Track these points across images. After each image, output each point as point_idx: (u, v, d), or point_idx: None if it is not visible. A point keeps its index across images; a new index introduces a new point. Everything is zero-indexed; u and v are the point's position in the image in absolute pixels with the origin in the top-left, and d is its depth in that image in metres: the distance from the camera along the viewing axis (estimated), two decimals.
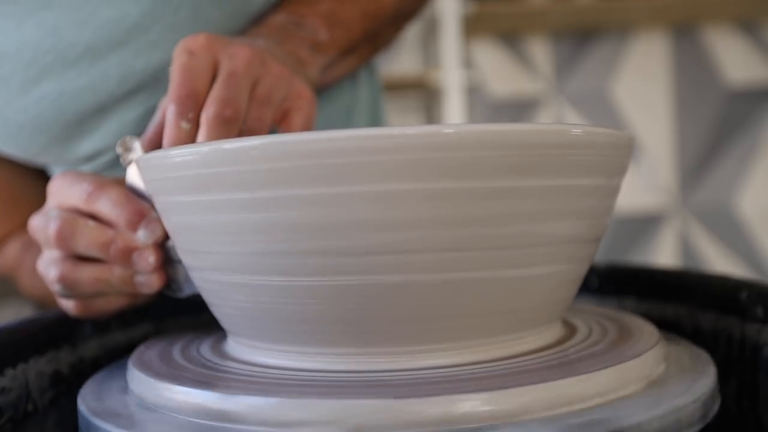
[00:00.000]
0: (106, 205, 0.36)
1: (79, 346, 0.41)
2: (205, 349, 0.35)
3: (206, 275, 0.32)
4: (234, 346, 0.34)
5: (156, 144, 0.39)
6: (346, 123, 0.63)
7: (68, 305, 0.39)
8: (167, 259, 0.37)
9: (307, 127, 0.41)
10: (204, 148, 0.28)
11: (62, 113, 0.49)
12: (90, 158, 0.52)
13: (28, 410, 0.37)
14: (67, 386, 0.39)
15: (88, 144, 0.51)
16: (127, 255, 0.36)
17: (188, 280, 0.37)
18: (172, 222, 0.32)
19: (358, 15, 0.54)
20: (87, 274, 0.37)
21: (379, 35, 0.59)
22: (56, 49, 0.47)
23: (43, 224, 0.38)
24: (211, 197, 0.28)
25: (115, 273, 0.37)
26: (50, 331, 0.39)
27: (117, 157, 0.52)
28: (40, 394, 0.38)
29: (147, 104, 0.49)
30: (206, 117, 0.36)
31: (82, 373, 0.39)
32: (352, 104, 0.63)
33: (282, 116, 0.41)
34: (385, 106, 0.71)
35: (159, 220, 0.36)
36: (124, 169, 0.38)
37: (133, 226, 0.36)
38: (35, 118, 0.49)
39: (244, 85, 0.38)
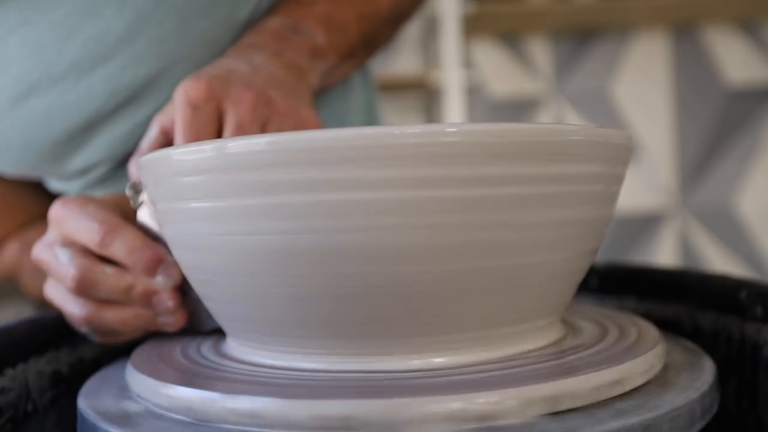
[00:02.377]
0: (121, 251, 0.36)
1: (79, 346, 0.41)
2: (205, 349, 0.35)
3: (202, 281, 0.32)
4: (234, 346, 0.34)
5: None
6: (341, 126, 0.62)
7: (92, 335, 0.39)
8: (187, 298, 0.37)
9: None
10: (207, 146, 0.28)
11: (51, 130, 0.48)
12: (82, 172, 0.52)
13: (27, 410, 0.37)
14: (66, 386, 0.39)
15: (79, 160, 0.50)
16: (147, 299, 0.36)
17: (209, 316, 0.37)
18: (166, 225, 0.32)
19: (355, 18, 0.54)
20: (112, 315, 0.37)
21: (375, 38, 0.58)
22: (41, 66, 0.46)
23: (54, 263, 0.37)
24: (207, 202, 0.28)
25: (138, 314, 0.37)
26: (50, 331, 0.39)
27: (109, 171, 0.52)
28: (40, 394, 0.38)
29: (136, 118, 0.49)
30: None
31: (81, 373, 0.39)
32: (345, 108, 0.62)
33: None
34: (381, 109, 0.70)
35: (176, 264, 0.36)
36: (117, 183, 0.37)
37: (151, 272, 0.36)
38: (23, 136, 0.48)
39: (253, 133, 0.38)
